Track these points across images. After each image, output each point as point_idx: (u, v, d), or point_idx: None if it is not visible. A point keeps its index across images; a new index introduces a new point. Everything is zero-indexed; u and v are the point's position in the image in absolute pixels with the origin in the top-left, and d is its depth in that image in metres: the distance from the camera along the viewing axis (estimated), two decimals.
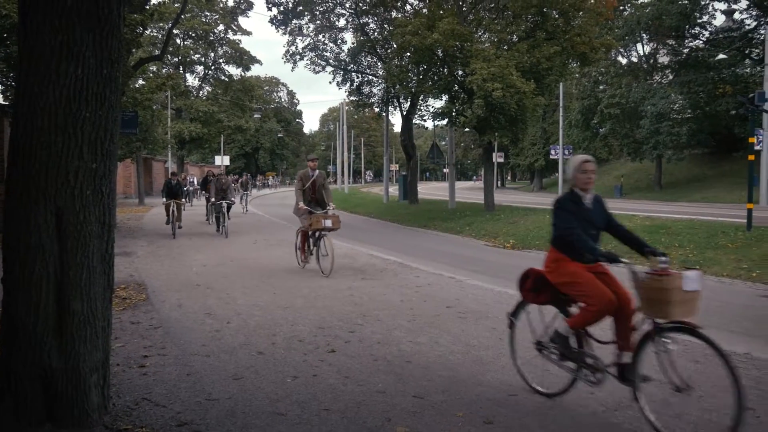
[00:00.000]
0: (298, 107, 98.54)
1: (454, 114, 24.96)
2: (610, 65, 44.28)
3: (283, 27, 30.18)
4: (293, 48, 32.33)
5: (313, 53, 32.74)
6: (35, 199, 3.72)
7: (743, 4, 37.95)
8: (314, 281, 10.25)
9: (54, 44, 3.70)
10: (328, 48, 33.33)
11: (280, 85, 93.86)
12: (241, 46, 51.60)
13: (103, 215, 3.97)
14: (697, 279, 4.41)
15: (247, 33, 62.79)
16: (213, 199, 18.63)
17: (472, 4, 27.47)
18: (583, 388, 5.04)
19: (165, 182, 18.86)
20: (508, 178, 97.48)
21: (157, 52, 29.57)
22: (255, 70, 77.92)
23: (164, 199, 18.15)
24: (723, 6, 40.33)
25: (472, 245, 17.71)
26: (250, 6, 21.26)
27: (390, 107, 35.25)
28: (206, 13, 47.63)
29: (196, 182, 38.81)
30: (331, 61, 33.43)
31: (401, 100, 32.97)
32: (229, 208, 18.63)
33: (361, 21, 32.08)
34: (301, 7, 29.60)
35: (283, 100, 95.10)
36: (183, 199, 18.98)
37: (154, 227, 20.65)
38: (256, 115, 57.64)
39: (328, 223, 10.81)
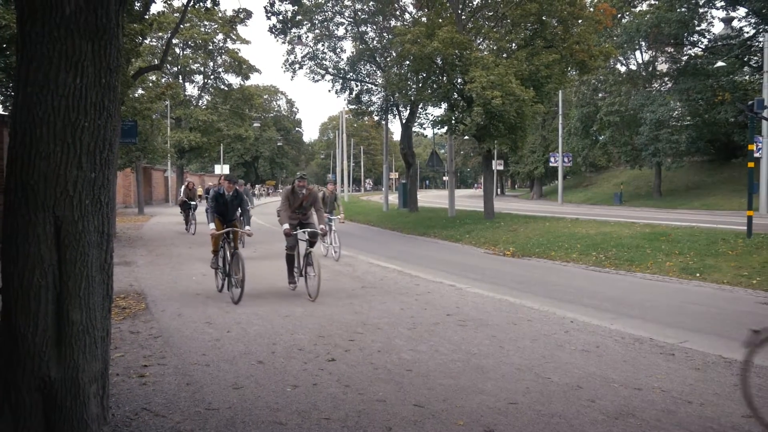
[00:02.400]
0: (298, 116, 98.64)
1: (453, 122, 24.97)
2: (609, 73, 44.37)
3: (282, 36, 30.27)
4: (292, 57, 32.42)
5: (313, 62, 32.82)
6: (34, 208, 3.71)
7: (742, 12, 38.04)
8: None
9: (52, 54, 3.69)
10: (328, 57, 33.43)
11: (279, 93, 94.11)
12: (240, 55, 51.75)
13: (102, 225, 3.96)
14: None
15: (246, 42, 63.15)
16: (286, 226, 9.96)
17: (471, 13, 27.56)
18: (584, 396, 5.03)
19: (213, 194, 10.38)
20: (508, 185, 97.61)
21: (156, 62, 29.64)
22: (254, 79, 78.19)
23: (210, 225, 9.96)
24: (722, 14, 40.52)
25: (472, 253, 17.69)
26: (249, 15, 21.33)
27: (389, 115, 35.31)
28: (205, 22, 47.75)
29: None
30: (330, 69, 33.52)
31: (400, 108, 33.04)
32: (313, 242, 10.16)
33: (360, 30, 32.18)
34: (300, 17, 29.68)
35: (282, 108, 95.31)
36: (247, 227, 10.32)
37: (154, 236, 20.65)
38: (255, 124, 57.69)
39: None
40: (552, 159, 49.08)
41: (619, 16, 39.22)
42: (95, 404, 3.95)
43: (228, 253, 9.81)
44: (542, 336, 7.08)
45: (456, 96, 25.03)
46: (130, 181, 42.37)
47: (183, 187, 28.66)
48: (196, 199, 23.14)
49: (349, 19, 32.10)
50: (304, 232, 10.10)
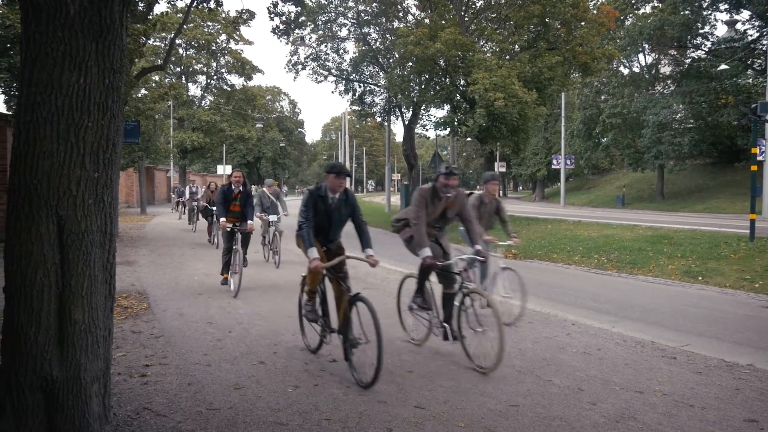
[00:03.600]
0: (300, 117, 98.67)
1: (456, 123, 24.99)
2: (611, 75, 44.36)
3: (285, 37, 30.26)
4: (295, 58, 32.43)
5: (316, 63, 32.82)
6: (37, 208, 3.72)
7: (745, 14, 38.02)
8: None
9: (57, 54, 3.70)
10: (330, 58, 33.43)
11: (282, 94, 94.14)
12: (243, 55, 51.80)
13: (105, 224, 3.97)
14: None
15: (249, 43, 63.33)
16: (427, 252, 6.15)
17: (474, 15, 27.58)
18: (585, 398, 5.03)
19: (308, 198, 6.05)
20: (510, 187, 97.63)
21: (159, 62, 29.69)
22: (257, 80, 78.18)
23: (311, 250, 5.80)
24: (725, 17, 40.51)
25: None
26: (252, 16, 21.34)
27: (392, 117, 35.31)
28: (209, 23, 47.80)
29: (199, 191, 24.60)
30: (333, 70, 33.52)
31: (403, 110, 33.04)
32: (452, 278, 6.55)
33: (363, 31, 32.19)
34: (303, 18, 29.68)
35: (285, 109, 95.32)
36: (369, 250, 6.13)
37: (156, 236, 20.66)
38: (258, 125, 57.69)
39: None
40: (554, 161, 49.06)
41: (622, 18, 39.25)
42: (97, 403, 3.95)
43: (321, 293, 6.41)
44: (543, 338, 7.08)
45: (458, 98, 25.05)
46: (132, 181, 42.46)
47: (188, 187, 27.54)
48: None
49: (352, 21, 32.11)
50: (464, 259, 6.36)
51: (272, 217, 13.58)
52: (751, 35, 37.37)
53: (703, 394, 5.17)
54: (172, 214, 33.62)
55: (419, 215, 6.36)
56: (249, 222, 10.35)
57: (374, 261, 6.05)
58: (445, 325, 6.37)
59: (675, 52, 41.23)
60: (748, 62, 37.26)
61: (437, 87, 26.09)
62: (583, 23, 24.17)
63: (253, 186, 64.30)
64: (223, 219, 10.18)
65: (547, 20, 24.32)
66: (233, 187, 10.58)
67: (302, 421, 4.50)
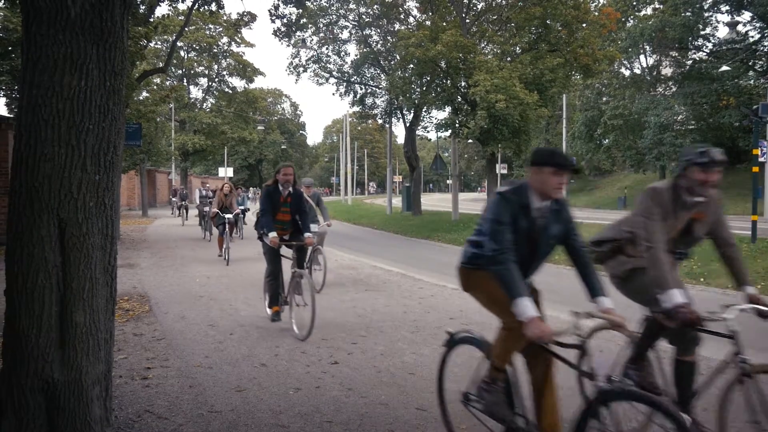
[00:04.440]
0: (302, 119, 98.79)
1: (457, 125, 25.00)
2: (613, 77, 44.41)
3: (286, 39, 30.28)
4: (297, 60, 32.48)
5: (317, 65, 32.86)
6: (38, 210, 3.72)
7: (747, 16, 38.05)
8: (317, 293, 10.22)
9: (58, 57, 3.71)
10: (332, 60, 33.48)
11: (284, 96, 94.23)
12: (244, 58, 51.84)
13: (106, 227, 3.97)
14: None
15: (250, 45, 63.44)
16: (676, 298, 3.93)
17: (475, 16, 27.61)
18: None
19: (506, 203, 3.54)
20: None
21: (161, 65, 29.70)
22: (258, 82, 78.21)
23: (522, 302, 3.37)
24: (726, 18, 40.55)
25: None
26: (254, 18, 21.37)
27: (393, 119, 35.34)
28: (210, 25, 47.84)
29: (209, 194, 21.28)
30: (334, 72, 33.56)
31: (404, 112, 33.06)
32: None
33: (364, 33, 32.24)
34: (304, 20, 29.70)
35: (286, 111, 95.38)
36: (604, 301, 3.65)
37: (158, 239, 20.66)
38: (259, 127, 57.72)
39: None
40: None
41: (623, 20, 39.29)
42: (98, 406, 3.95)
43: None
44: None
45: (460, 99, 25.06)
46: (134, 184, 42.51)
47: (197, 190, 24.67)
48: (235, 208, 16.54)
49: (353, 23, 32.17)
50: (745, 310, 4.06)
51: (313, 227, 10.14)
52: (753, 37, 37.43)
53: (706, 396, 5.15)
54: (172, 217, 33.30)
55: (655, 232, 3.78)
56: (307, 235, 7.89)
57: (620, 320, 3.47)
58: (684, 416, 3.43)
59: (676, 54, 41.26)
60: (750, 64, 37.27)
61: (438, 89, 26.10)
62: (584, 25, 24.19)
63: (251, 188, 64.14)
64: (273, 234, 7.57)
65: (548, 22, 24.37)
66: (281, 187, 7.91)
67: (304, 424, 4.50)
